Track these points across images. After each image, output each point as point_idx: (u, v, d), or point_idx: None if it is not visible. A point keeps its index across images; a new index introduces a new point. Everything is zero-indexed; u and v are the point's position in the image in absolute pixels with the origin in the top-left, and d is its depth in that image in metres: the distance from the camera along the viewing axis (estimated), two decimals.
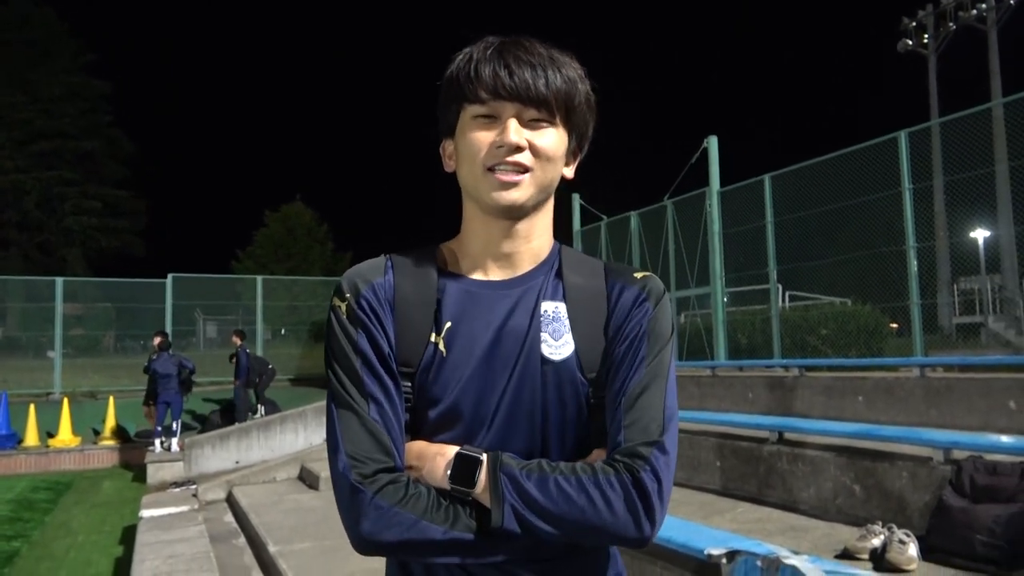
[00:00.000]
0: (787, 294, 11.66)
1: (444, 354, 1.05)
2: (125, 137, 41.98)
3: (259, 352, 18.95)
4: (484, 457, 0.98)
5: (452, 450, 1.01)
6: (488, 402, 1.04)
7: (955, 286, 11.71)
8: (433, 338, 1.06)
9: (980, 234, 10.92)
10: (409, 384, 1.06)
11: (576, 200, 14.62)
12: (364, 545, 0.97)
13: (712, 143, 11.33)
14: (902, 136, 8.51)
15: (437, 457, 1.01)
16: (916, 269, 8.41)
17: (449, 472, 0.99)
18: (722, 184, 11.33)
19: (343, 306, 1.06)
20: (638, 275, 1.12)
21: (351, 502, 0.97)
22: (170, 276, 17.43)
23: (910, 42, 22.69)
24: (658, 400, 1.03)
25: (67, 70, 39.36)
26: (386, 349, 1.04)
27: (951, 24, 21.70)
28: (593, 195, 14.47)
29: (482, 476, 0.97)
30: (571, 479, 0.96)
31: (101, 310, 19.58)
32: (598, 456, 1.04)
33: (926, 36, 22.50)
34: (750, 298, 12.13)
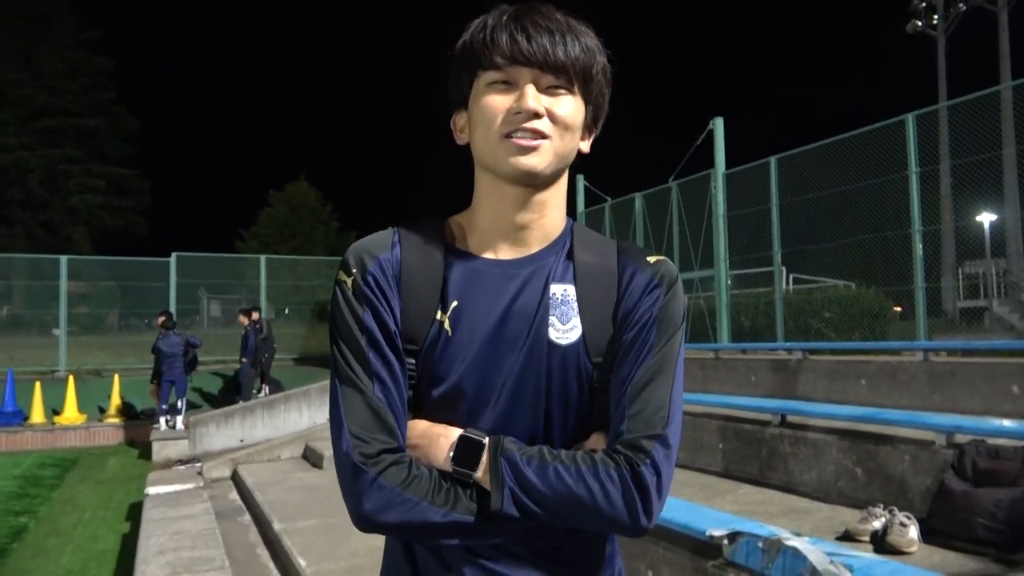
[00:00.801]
0: (791, 277, 11.65)
1: (449, 333, 1.04)
2: (129, 115, 41.87)
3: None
4: (486, 441, 0.98)
5: (455, 432, 1.01)
6: (492, 383, 1.03)
7: (960, 270, 11.68)
8: (439, 316, 1.05)
9: (986, 218, 10.88)
10: (413, 362, 1.04)
11: (580, 181, 14.58)
12: (365, 524, 0.98)
13: (718, 125, 11.26)
14: (909, 119, 8.45)
15: (440, 439, 1.01)
16: (921, 253, 8.39)
17: (452, 454, 0.99)
18: (727, 166, 11.28)
19: (349, 281, 1.05)
20: (651, 259, 1.10)
21: (353, 481, 0.97)
22: (174, 255, 17.45)
23: (919, 23, 22.42)
24: (664, 392, 1.02)
25: (69, 46, 39.15)
26: (391, 327, 1.03)
27: (961, 5, 21.45)
28: (597, 176, 14.43)
29: (484, 460, 0.97)
30: (571, 468, 0.96)
31: (105, 288, 19.63)
32: (597, 440, 1.04)
33: (935, 17, 22.24)
34: (754, 281, 12.12)
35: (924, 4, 22.48)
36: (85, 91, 39.37)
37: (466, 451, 0.98)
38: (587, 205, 14.72)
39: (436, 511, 0.96)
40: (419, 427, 1.04)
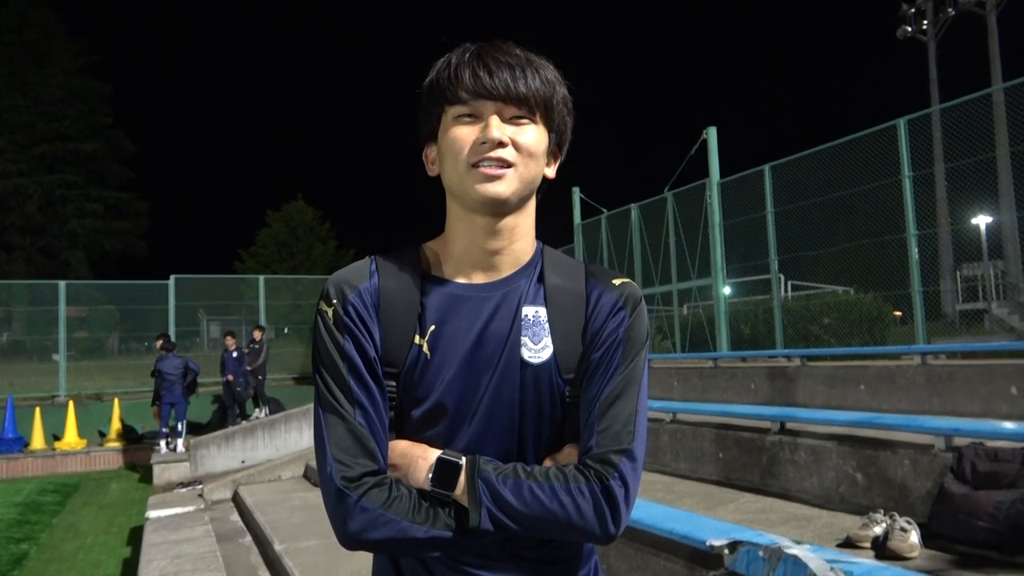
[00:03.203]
0: (789, 284, 11.66)
1: (428, 356, 1.08)
2: (126, 138, 42.05)
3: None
4: (463, 462, 1.03)
5: (434, 454, 1.05)
6: (469, 402, 1.08)
7: (958, 273, 11.67)
8: (417, 340, 1.09)
9: (982, 220, 10.89)
10: (394, 384, 1.09)
11: (576, 193, 14.60)
12: (351, 543, 1.03)
13: (711, 134, 11.30)
14: (901, 123, 8.49)
15: (419, 460, 1.05)
16: (917, 257, 8.39)
17: (431, 476, 1.03)
18: (722, 175, 11.31)
19: (330, 311, 1.09)
20: (616, 281, 1.15)
21: (338, 504, 1.02)
22: (173, 277, 17.45)
23: (909, 28, 22.59)
24: (630, 407, 1.07)
25: (67, 72, 39.43)
26: (372, 354, 1.07)
27: (950, 10, 21.59)
28: (593, 188, 14.47)
29: (461, 480, 1.02)
30: (544, 485, 1.01)
31: (105, 312, 19.61)
32: (570, 453, 1.10)
33: (925, 22, 22.39)
34: (752, 288, 12.12)
35: (914, 10, 22.64)
36: (82, 116, 39.60)
37: (444, 472, 1.03)
38: (583, 217, 14.74)
39: (418, 528, 1.00)
40: (399, 447, 1.08)
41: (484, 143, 1.05)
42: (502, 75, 1.06)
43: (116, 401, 13.84)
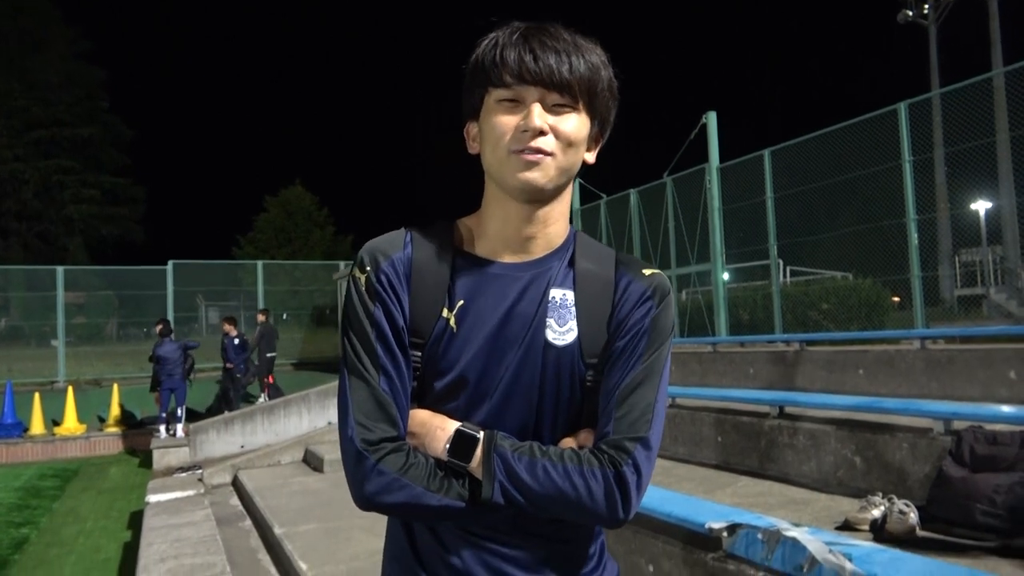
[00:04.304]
0: (788, 269, 11.65)
1: (454, 330, 1.10)
2: (123, 124, 41.84)
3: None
4: (481, 436, 1.05)
5: (453, 425, 1.07)
6: (491, 378, 1.10)
7: (957, 258, 11.66)
8: (445, 313, 1.11)
9: (981, 205, 10.87)
10: (419, 354, 1.11)
11: (575, 179, 14.55)
12: (366, 504, 1.05)
13: (711, 119, 11.26)
14: (902, 108, 8.45)
15: (438, 431, 1.07)
16: (917, 242, 8.39)
17: (448, 446, 1.05)
18: (721, 160, 11.27)
19: (363, 278, 1.11)
20: (647, 271, 1.16)
21: (356, 466, 1.04)
22: (171, 263, 17.43)
23: (910, 12, 22.44)
24: (649, 397, 1.08)
25: (62, 57, 39.15)
26: (400, 323, 1.09)
27: None
28: (592, 173, 14.40)
29: (477, 453, 1.04)
30: (558, 466, 1.03)
31: (103, 298, 19.61)
32: (586, 437, 1.10)
33: (926, 6, 22.24)
34: (751, 274, 12.11)
35: None
36: (79, 101, 39.36)
37: (461, 444, 1.05)
38: (583, 203, 14.70)
39: (431, 496, 1.03)
40: (419, 416, 1.10)
41: (525, 131, 1.05)
42: (547, 60, 1.05)
43: (115, 387, 13.85)
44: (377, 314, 1.08)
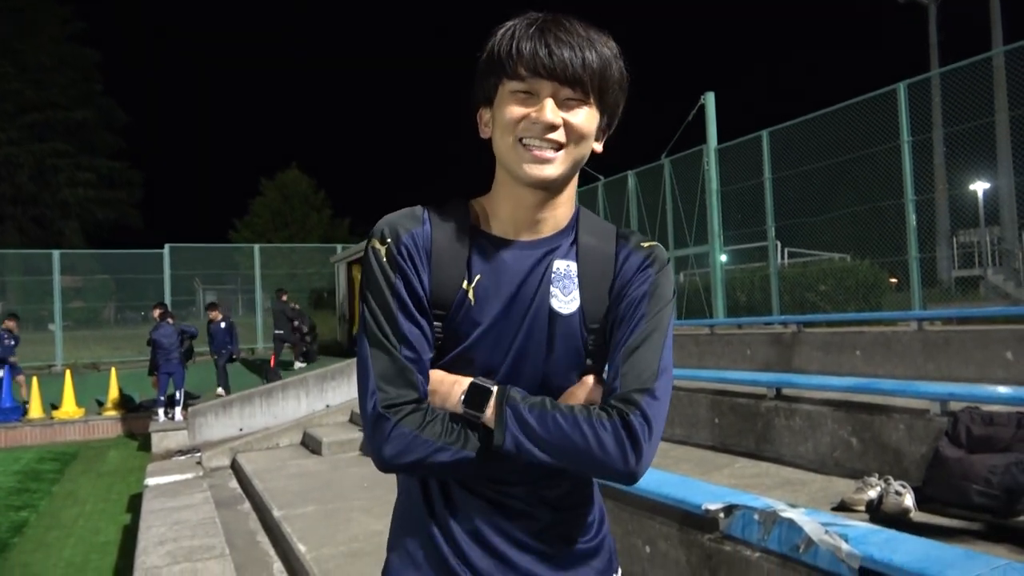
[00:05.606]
0: (786, 251, 11.64)
1: (472, 302, 1.16)
2: (118, 107, 41.52)
3: (259, 319, 19.03)
4: (494, 388, 1.10)
5: (467, 380, 1.13)
6: (501, 347, 1.16)
7: (954, 239, 11.65)
8: (464, 286, 1.17)
9: (979, 186, 10.85)
10: (440, 325, 1.17)
11: None
12: (386, 466, 1.10)
13: (709, 99, 11.20)
14: (901, 88, 8.41)
15: (454, 385, 1.13)
16: (915, 223, 8.37)
17: (463, 398, 1.10)
18: (719, 141, 11.22)
19: (383, 249, 1.15)
20: (645, 244, 1.23)
21: (375, 429, 1.09)
22: (167, 246, 17.38)
23: None
24: (654, 353, 1.13)
25: (55, 39, 38.74)
26: (420, 293, 1.14)
27: None
28: (590, 156, 14.32)
29: (491, 403, 1.09)
30: (568, 417, 1.07)
31: (100, 282, 19.56)
32: (595, 391, 1.16)
33: None
34: (749, 256, 12.10)
35: None
36: (73, 84, 39.01)
37: (476, 396, 1.10)
38: (580, 184, 14.56)
39: (447, 450, 1.08)
40: (436, 375, 1.16)
41: (537, 124, 1.10)
42: (562, 56, 1.09)
43: (113, 370, 13.86)
44: (398, 285, 1.13)
